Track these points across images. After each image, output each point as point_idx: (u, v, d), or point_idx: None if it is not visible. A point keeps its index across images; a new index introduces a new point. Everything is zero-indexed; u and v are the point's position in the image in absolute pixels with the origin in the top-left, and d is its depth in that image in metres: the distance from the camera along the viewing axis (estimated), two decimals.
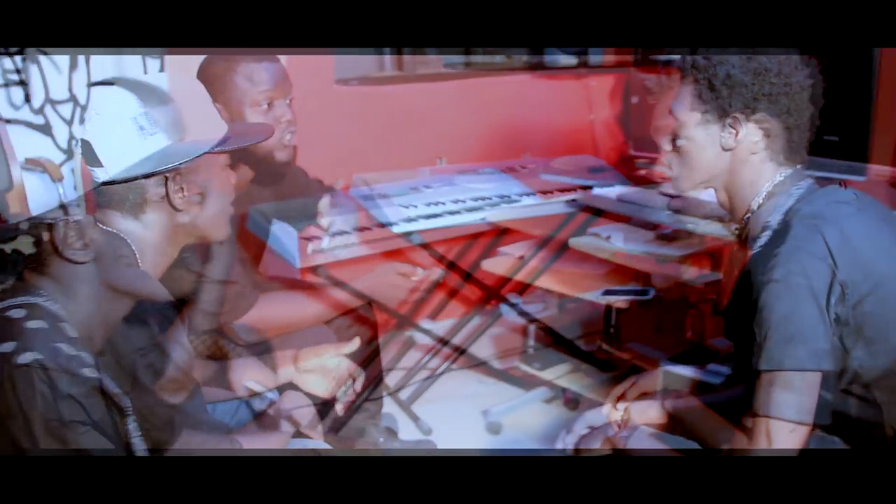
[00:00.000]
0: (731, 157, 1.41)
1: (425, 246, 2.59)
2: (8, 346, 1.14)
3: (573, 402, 2.77)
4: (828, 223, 1.31)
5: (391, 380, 2.86)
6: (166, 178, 1.23)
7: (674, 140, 1.45)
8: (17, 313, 1.17)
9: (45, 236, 1.22)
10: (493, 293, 2.93)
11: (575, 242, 2.62)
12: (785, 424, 1.23)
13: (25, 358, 1.12)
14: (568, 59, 3.72)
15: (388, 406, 2.74)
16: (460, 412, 2.79)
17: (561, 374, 2.86)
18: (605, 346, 2.92)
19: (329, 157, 3.02)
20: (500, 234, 2.79)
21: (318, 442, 1.67)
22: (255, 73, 1.69)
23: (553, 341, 3.21)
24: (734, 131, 1.39)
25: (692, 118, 1.41)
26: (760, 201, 1.40)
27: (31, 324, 1.16)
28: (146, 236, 1.26)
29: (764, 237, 1.36)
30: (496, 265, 2.84)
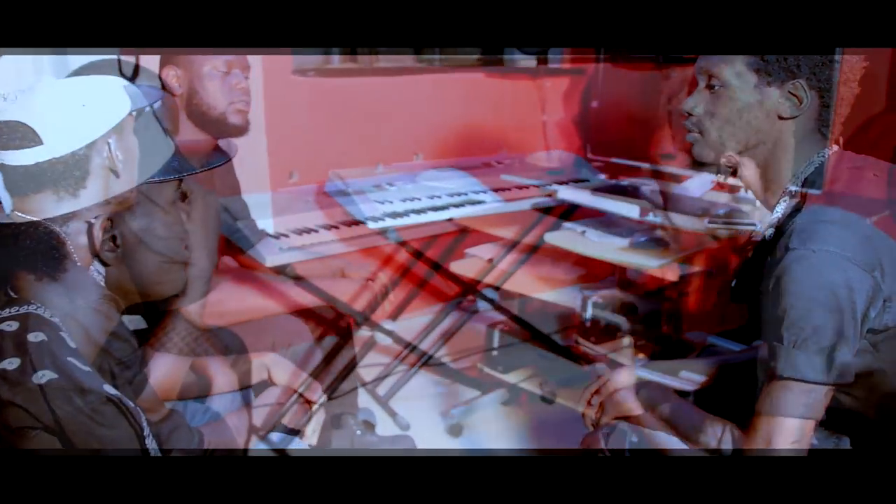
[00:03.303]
0: (782, 128, 1.28)
1: (402, 243, 2.60)
2: (12, 363, 1.05)
3: (549, 397, 2.78)
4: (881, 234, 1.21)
5: (367, 375, 2.85)
6: (108, 143, 1.17)
7: (713, 102, 1.30)
8: (9, 326, 1.09)
9: (46, 239, 1.15)
10: (470, 288, 2.94)
11: (550, 237, 2.64)
12: (791, 429, 1.20)
13: (40, 378, 1.04)
14: (527, 61, 3.70)
15: (366, 401, 2.73)
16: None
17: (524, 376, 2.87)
18: (581, 341, 2.93)
19: (284, 149, 2.99)
20: (463, 233, 2.82)
21: (297, 441, 1.66)
22: None
23: (529, 336, 3.23)
24: (797, 98, 1.26)
25: (746, 80, 1.27)
26: (800, 184, 1.28)
27: (33, 336, 1.08)
28: (79, 221, 1.17)
29: (805, 232, 1.22)
30: (464, 267, 2.83)
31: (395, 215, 2.50)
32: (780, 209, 1.32)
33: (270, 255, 2.29)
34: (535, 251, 2.74)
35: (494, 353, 2.91)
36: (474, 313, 3.00)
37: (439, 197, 2.66)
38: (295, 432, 1.61)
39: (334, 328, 2.10)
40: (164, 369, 1.57)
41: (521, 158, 3.14)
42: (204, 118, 1.84)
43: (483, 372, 2.85)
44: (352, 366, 2.19)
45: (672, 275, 2.32)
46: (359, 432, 2.22)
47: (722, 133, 1.32)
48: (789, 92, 1.27)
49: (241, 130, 1.87)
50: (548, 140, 3.70)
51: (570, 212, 2.76)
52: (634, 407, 1.48)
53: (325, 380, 2.02)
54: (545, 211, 2.80)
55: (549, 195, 2.77)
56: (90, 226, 1.18)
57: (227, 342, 1.81)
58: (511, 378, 2.77)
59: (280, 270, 2.18)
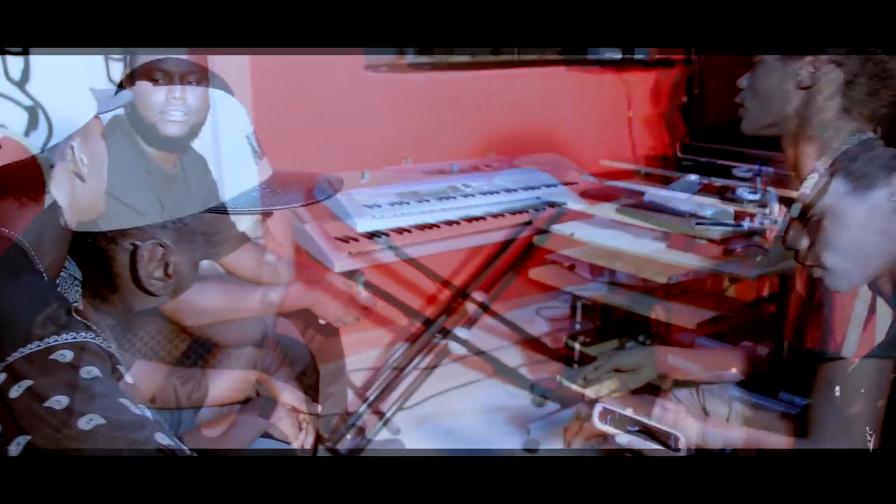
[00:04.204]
0: (804, 98, 1.33)
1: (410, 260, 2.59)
2: (61, 402, 0.96)
3: (540, 399, 2.78)
4: None
5: (357, 380, 2.85)
6: (71, 146, 1.10)
7: (753, 75, 1.38)
8: (64, 356, 0.99)
9: (111, 259, 1.11)
10: (462, 294, 2.93)
11: (539, 240, 2.62)
12: (865, 413, 1.19)
13: (86, 423, 0.96)
14: (611, 54, 3.70)
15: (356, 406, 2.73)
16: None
17: None
18: (571, 343, 2.94)
19: (360, 143, 3.11)
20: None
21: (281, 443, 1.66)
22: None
23: (521, 338, 3.23)
24: (813, 69, 1.30)
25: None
26: (828, 163, 1.31)
27: (85, 372, 0.99)
28: (42, 227, 1.10)
29: (834, 218, 1.25)
30: (543, 274, 2.82)
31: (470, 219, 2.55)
32: (808, 186, 1.34)
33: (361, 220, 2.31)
34: None
35: (575, 365, 2.88)
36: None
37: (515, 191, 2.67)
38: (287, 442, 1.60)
39: (321, 330, 2.10)
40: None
41: (510, 161, 3.13)
42: (138, 126, 1.81)
43: (562, 385, 2.79)
44: (341, 370, 2.19)
45: (662, 278, 2.32)
46: (349, 437, 2.22)
47: (757, 104, 1.38)
48: (810, 63, 1.31)
49: (176, 141, 1.82)
50: (633, 136, 3.75)
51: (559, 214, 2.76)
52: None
53: (316, 390, 2.02)
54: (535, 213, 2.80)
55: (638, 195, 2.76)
56: (136, 249, 1.13)
57: (292, 355, 1.83)
58: (592, 392, 2.70)
59: (349, 276, 2.18)
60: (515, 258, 3.05)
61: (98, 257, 1.24)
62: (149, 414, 1.04)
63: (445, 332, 2.83)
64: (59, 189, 1.11)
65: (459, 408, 2.91)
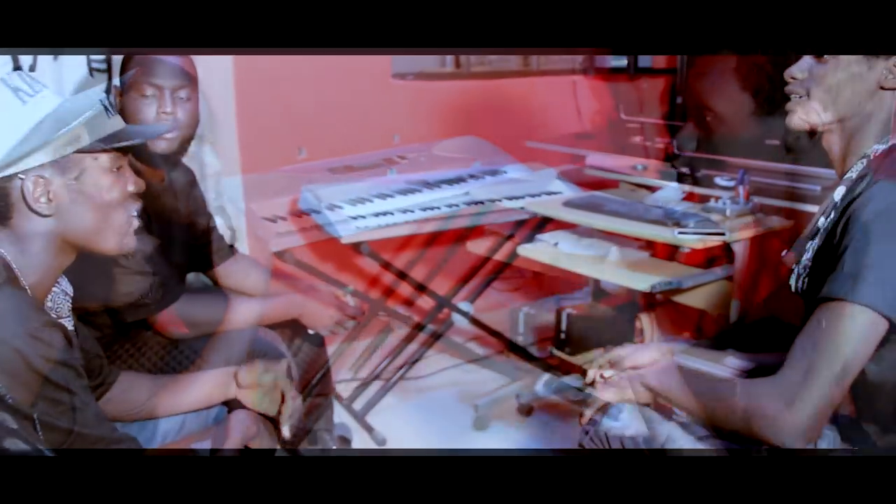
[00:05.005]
0: (881, 98, 1.35)
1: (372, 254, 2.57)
2: None
3: (526, 408, 2.79)
4: None
5: (344, 390, 2.84)
6: (20, 178, 1.12)
7: (822, 69, 1.36)
8: None
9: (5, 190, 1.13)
10: (445, 302, 2.93)
11: (523, 250, 2.63)
12: (838, 360, 1.15)
13: None
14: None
15: (342, 416, 2.72)
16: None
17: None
18: (557, 352, 2.94)
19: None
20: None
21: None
22: (146, 63, 1.74)
23: (506, 348, 3.23)
24: None
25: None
26: (879, 151, 1.34)
27: None
28: (22, 247, 1.16)
29: (868, 181, 1.29)
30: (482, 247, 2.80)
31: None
32: (855, 170, 1.36)
33: (346, 231, 2.32)
34: None
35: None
36: (450, 326, 2.99)
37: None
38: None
39: (308, 340, 2.09)
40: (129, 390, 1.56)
41: (428, 150, 3.06)
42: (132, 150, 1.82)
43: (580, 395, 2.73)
44: (325, 378, 2.18)
45: (645, 286, 2.33)
46: (334, 447, 2.21)
47: (825, 99, 1.37)
48: (893, 65, 1.32)
49: (165, 157, 1.82)
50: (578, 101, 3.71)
51: (543, 224, 2.77)
52: (643, 392, 1.40)
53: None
54: (519, 224, 2.80)
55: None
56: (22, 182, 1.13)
57: (202, 355, 1.81)
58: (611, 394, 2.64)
59: (279, 256, 2.22)
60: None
61: (88, 271, 1.26)
62: (9, 423, 1.04)
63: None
64: (21, 219, 1.14)
65: (409, 384, 2.91)
